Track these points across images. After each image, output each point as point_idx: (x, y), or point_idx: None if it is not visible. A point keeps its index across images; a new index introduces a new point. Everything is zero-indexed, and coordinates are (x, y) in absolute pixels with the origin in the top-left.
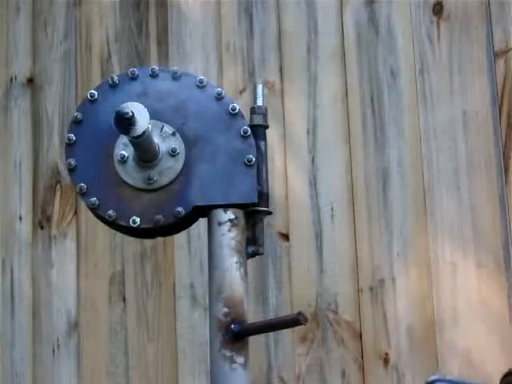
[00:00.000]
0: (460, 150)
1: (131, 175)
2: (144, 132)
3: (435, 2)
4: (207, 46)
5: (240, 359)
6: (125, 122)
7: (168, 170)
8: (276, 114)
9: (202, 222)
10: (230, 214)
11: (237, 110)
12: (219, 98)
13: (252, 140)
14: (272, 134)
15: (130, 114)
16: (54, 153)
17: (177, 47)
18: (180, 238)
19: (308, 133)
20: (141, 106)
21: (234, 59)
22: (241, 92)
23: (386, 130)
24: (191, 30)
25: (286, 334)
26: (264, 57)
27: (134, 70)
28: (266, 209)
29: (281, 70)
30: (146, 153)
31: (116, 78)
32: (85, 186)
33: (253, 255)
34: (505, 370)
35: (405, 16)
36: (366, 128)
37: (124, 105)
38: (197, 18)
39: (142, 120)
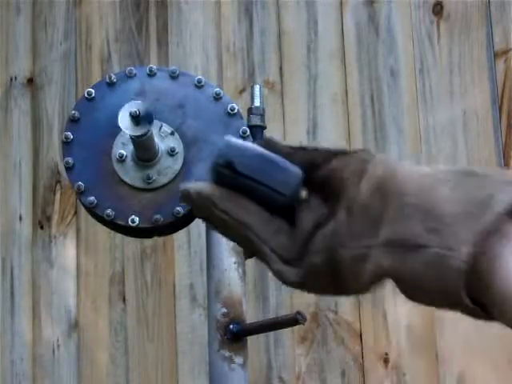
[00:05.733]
0: (460, 150)
1: (130, 174)
2: (148, 130)
3: (435, 2)
4: (207, 45)
5: (239, 359)
6: (131, 121)
7: (167, 169)
8: (276, 114)
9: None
10: None
11: (235, 110)
12: (218, 97)
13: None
14: (272, 134)
15: (137, 112)
16: (54, 153)
17: (177, 47)
18: (180, 237)
19: (308, 133)
20: (146, 104)
21: (234, 59)
22: (241, 92)
23: (386, 130)
24: (191, 30)
25: (286, 334)
26: (264, 57)
27: (132, 68)
28: None
29: (281, 69)
30: (146, 152)
31: (114, 77)
32: (83, 184)
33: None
34: (504, 369)
35: (405, 16)
36: (366, 128)
37: (131, 103)
38: (197, 18)
39: (148, 119)
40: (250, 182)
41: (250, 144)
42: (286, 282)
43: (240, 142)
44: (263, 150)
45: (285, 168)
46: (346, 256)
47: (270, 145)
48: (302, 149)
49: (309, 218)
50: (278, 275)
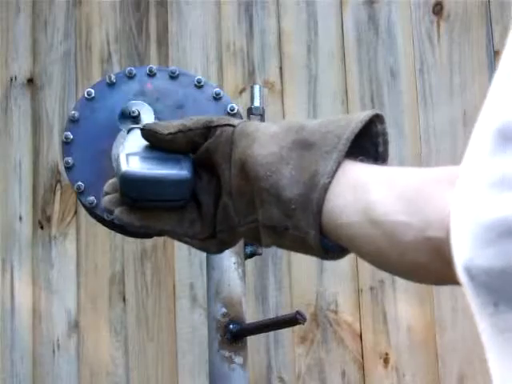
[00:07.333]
0: (460, 150)
1: None
2: None
3: (435, 2)
4: (207, 45)
5: (239, 359)
6: (131, 121)
7: None
8: (276, 114)
9: None
10: None
11: (235, 111)
12: (217, 97)
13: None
14: None
15: (136, 112)
16: (54, 153)
17: (177, 47)
18: None
19: None
20: (146, 105)
21: (234, 59)
22: (241, 92)
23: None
24: (191, 30)
25: (286, 333)
26: (264, 57)
27: (132, 68)
28: None
29: (281, 69)
30: None
31: (113, 77)
32: (82, 184)
33: (251, 256)
34: None
35: (405, 16)
36: None
37: (130, 103)
38: (197, 17)
39: (148, 119)
40: (149, 202)
41: (139, 171)
42: (209, 252)
43: (131, 171)
44: (151, 173)
45: (171, 180)
46: (244, 230)
47: (150, 138)
48: (180, 132)
49: (208, 201)
50: (203, 250)
